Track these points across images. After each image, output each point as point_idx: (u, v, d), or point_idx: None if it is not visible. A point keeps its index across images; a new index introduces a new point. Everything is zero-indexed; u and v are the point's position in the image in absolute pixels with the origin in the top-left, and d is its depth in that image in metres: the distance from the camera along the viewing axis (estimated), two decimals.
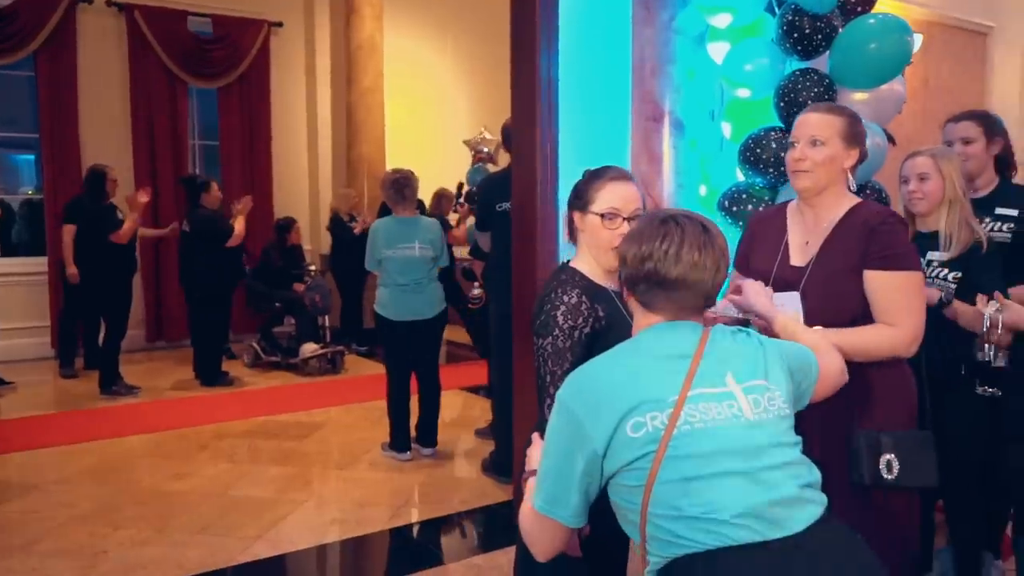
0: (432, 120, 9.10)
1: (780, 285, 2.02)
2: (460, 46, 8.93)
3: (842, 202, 2.05)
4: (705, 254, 1.43)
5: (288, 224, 7.52)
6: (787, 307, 1.93)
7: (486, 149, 7.40)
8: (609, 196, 1.83)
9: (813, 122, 2.03)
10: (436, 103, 9.11)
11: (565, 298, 1.78)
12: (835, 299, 1.96)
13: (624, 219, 1.81)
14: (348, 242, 7.63)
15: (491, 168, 7.12)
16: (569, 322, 1.75)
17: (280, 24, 8.59)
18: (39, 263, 7.43)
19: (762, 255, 2.15)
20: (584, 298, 1.78)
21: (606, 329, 1.77)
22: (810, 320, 1.93)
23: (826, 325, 1.91)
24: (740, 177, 3.36)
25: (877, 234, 1.94)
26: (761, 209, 2.29)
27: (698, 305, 1.48)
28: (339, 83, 8.72)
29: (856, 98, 2.99)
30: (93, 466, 4.47)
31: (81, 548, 3.38)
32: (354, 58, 8.47)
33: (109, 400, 5.91)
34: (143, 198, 5.94)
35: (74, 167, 7.35)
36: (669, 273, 1.42)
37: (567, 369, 1.72)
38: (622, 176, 1.87)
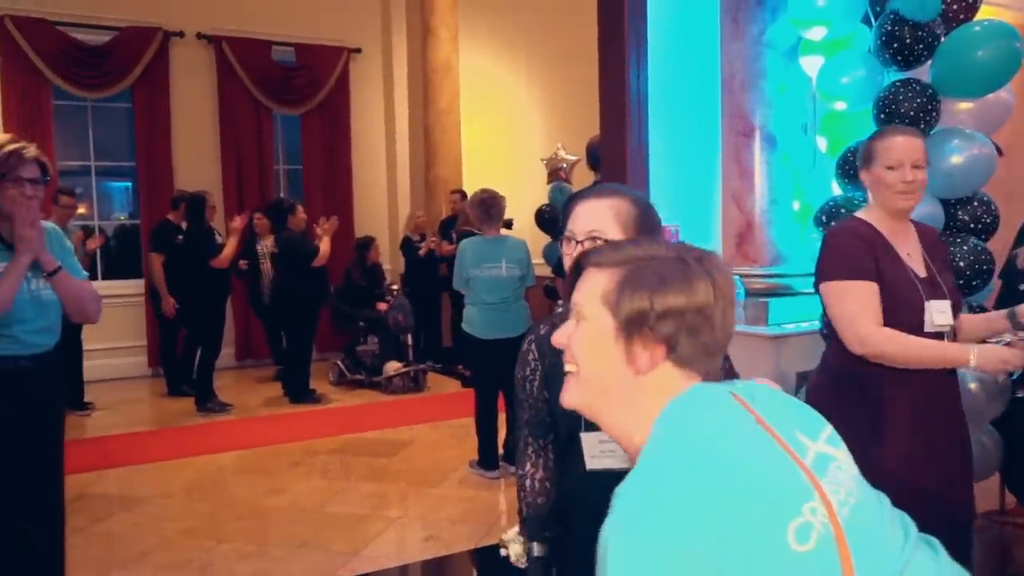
0: (507, 139, 9.17)
1: (929, 294, 2.14)
2: (533, 65, 8.99)
3: None
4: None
5: (367, 243, 7.64)
6: (946, 314, 2.13)
7: (564, 166, 7.44)
8: (571, 218, 1.57)
9: (916, 146, 2.11)
10: (511, 122, 9.18)
11: (523, 344, 1.65)
12: (957, 300, 2.21)
13: (578, 242, 1.52)
14: (416, 263, 7.75)
15: (567, 187, 7.15)
16: (520, 372, 1.64)
17: (359, 50, 8.83)
18: (136, 285, 7.76)
19: (897, 266, 2.13)
20: (533, 346, 1.63)
21: (552, 372, 1.55)
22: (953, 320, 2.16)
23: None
24: (836, 191, 3.30)
25: (946, 247, 2.37)
26: (845, 225, 2.27)
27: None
28: (416, 105, 8.88)
29: (961, 108, 2.91)
30: (192, 481, 4.64)
31: (190, 560, 3.51)
32: (430, 80, 8.61)
33: (204, 417, 6.12)
34: (239, 224, 6.18)
35: (167, 193, 7.63)
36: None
37: (526, 420, 1.64)
38: (595, 194, 1.58)
